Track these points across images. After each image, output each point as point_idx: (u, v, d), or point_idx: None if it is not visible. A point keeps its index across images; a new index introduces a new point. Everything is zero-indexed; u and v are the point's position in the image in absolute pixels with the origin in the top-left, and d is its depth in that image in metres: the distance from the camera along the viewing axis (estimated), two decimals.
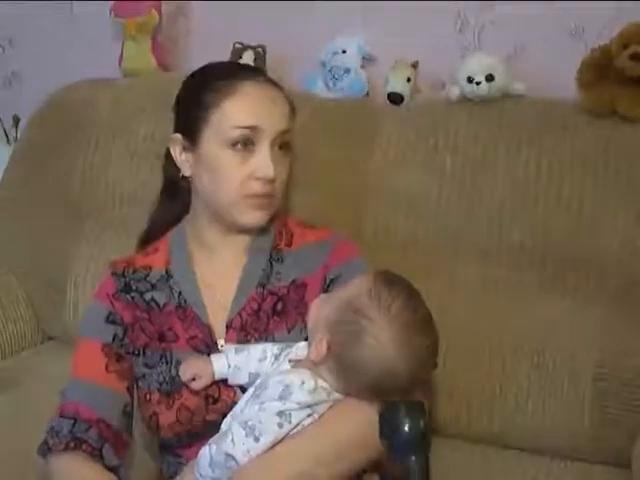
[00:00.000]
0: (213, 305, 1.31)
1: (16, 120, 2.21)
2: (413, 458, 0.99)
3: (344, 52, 1.86)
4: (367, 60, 1.88)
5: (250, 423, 1.11)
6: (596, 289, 1.52)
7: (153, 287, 1.33)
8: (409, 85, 1.75)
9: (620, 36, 1.51)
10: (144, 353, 1.30)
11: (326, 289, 1.30)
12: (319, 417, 1.14)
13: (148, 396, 1.28)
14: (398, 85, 1.75)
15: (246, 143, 1.26)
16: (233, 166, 1.26)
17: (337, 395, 1.16)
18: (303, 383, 1.13)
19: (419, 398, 1.20)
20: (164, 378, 1.28)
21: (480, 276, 1.58)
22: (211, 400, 1.25)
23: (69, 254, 1.82)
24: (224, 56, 1.82)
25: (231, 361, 1.23)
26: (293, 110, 1.33)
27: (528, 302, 1.54)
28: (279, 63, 1.85)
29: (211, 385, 1.25)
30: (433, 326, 1.16)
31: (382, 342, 1.11)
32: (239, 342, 1.27)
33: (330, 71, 1.87)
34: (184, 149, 1.32)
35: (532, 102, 1.62)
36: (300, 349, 1.21)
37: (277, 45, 1.86)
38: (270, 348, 1.23)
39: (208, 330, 1.30)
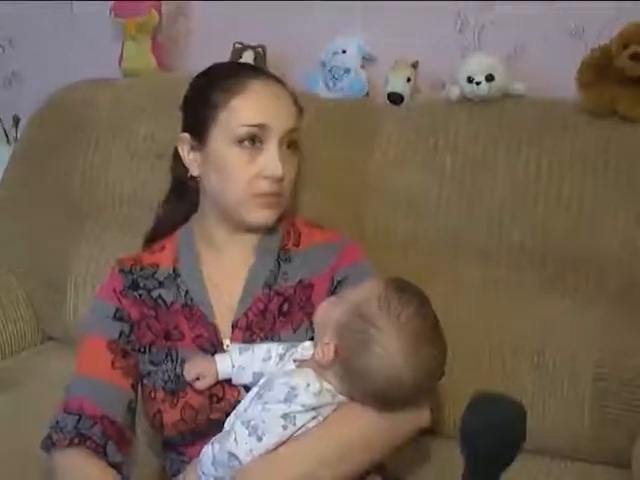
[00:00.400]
0: (219, 305, 1.31)
1: (16, 120, 2.21)
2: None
3: (344, 52, 1.86)
4: (367, 60, 1.88)
5: (253, 423, 1.11)
6: (596, 289, 1.52)
7: (160, 285, 1.33)
8: (409, 85, 1.75)
9: (620, 36, 1.51)
10: (150, 350, 1.30)
11: (333, 291, 1.30)
12: (323, 419, 1.14)
13: (153, 394, 1.28)
14: (398, 85, 1.75)
15: (254, 141, 1.26)
16: (241, 164, 1.26)
17: (341, 397, 1.16)
18: (308, 385, 1.13)
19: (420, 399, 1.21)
20: (169, 376, 1.28)
21: (480, 276, 1.58)
22: (215, 399, 1.25)
23: (69, 254, 1.81)
24: (224, 56, 1.82)
25: (235, 361, 1.23)
26: (300, 109, 1.33)
27: (528, 302, 1.54)
28: (279, 63, 1.85)
29: (215, 384, 1.25)
30: (441, 336, 1.16)
31: (390, 352, 1.11)
32: (244, 342, 1.27)
33: (330, 71, 1.87)
34: (192, 148, 1.32)
35: (532, 102, 1.62)
36: (305, 349, 1.21)
37: (277, 45, 1.86)
38: (275, 348, 1.23)
39: (214, 329, 1.30)
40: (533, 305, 1.54)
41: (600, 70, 1.54)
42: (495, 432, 0.95)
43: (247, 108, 1.27)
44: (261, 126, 1.26)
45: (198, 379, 1.24)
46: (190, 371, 1.25)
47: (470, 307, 1.56)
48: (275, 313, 1.29)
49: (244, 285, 1.31)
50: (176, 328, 1.30)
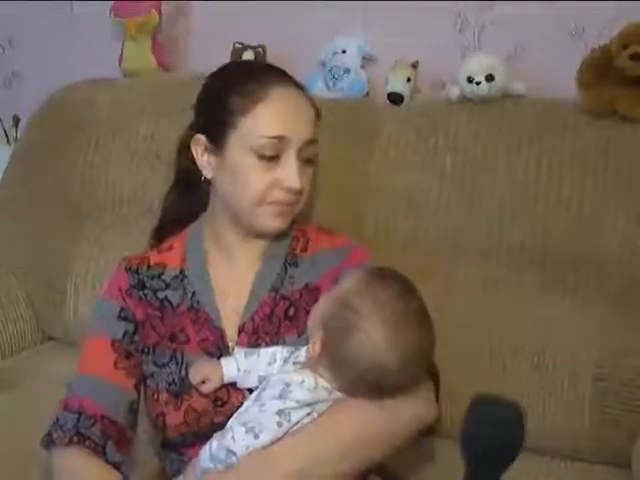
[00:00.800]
0: (226, 308, 1.30)
1: (16, 120, 2.21)
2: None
3: (344, 52, 1.86)
4: (367, 60, 1.88)
5: (250, 424, 1.11)
6: (596, 289, 1.52)
7: (167, 286, 1.32)
8: (409, 85, 1.75)
9: (620, 36, 1.51)
10: (154, 352, 1.29)
11: None
12: (318, 416, 1.14)
13: (156, 395, 1.28)
14: (398, 85, 1.75)
15: (273, 151, 1.24)
16: (257, 173, 1.24)
17: (338, 394, 1.16)
18: (303, 381, 1.13)
19: (421, 395, 1.20)
20: (173, 379, 1.27)
21: (480, 276, 1.58)
22: (219, 403, 1.24)
23: (69, 254, 1.81)
24: (224, 56, 1.82)
25: (241, 365, 1.23)
26: (318, 115, 1.31)
27: (528, 302, 1.54)
28: (279, 63, 1.82)
29: (220, 388, 1.24)
30: (426, 321, 1.15)
31: (371, 336, 1.11)
32: (250, 346, 1.27)
33: (330, 71, 1.87)
34: (207, 150, 1.29)
35: (532, 102, 1.62)
36: (308, 352, 1.21)
37: (277, 45, 1.86)
38: (280, 351, 1.23)
39: (220, 333, 1.29)
40: (533, 305, 1.54)
41: (600, 70, 1.54)
42: (495, 435, 0.95)
43: (268, 118, 1.24)
44: (281, 138, 1.23)
45: (204, 382, 1.24)
46: (196, 374, 1.24)
47: (470, 307, 1.56)
48: (281, 317, 1.28)
49: (251, 289, 1.30)
50: (182, 331, 1.29)
